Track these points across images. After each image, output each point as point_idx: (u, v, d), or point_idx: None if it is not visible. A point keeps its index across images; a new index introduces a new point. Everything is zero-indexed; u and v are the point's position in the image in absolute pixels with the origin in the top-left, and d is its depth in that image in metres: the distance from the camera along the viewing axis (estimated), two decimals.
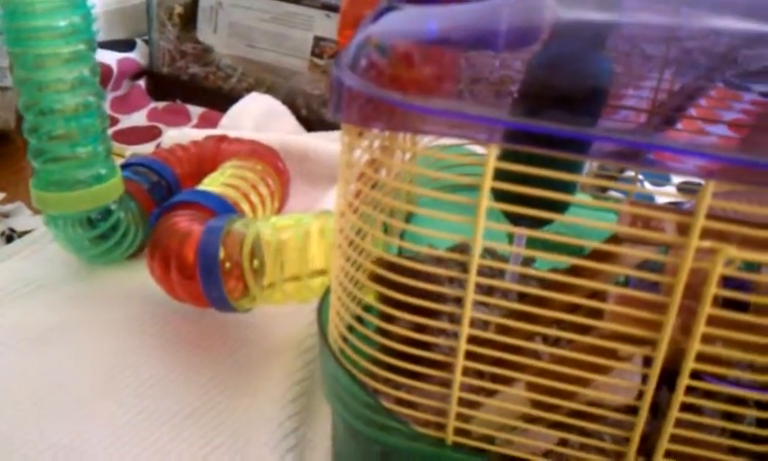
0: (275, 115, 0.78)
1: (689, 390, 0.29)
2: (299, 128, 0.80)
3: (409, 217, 0.49)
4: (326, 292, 0.37)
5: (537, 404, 0.32)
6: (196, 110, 0.86)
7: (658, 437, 0.30)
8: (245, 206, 0.54)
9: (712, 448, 0.31)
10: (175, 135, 0.70)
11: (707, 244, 0.26)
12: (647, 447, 0.30)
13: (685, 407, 0.29)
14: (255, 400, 0.45)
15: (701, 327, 0.27)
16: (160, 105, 0.88)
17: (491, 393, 0.33)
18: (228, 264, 0.44)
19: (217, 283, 0.44)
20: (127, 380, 0.46)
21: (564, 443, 0.34)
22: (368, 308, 0.37)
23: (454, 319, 0.45)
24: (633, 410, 0.30)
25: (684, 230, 0.31)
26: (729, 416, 0.33)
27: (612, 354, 0.30)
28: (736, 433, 0.35)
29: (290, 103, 0.82)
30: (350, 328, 0.34)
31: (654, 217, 0.33)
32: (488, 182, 0.26)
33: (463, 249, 0.30)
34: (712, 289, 0.26)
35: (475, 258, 0.28)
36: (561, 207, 0.38)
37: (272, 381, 0.46)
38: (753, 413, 0.31)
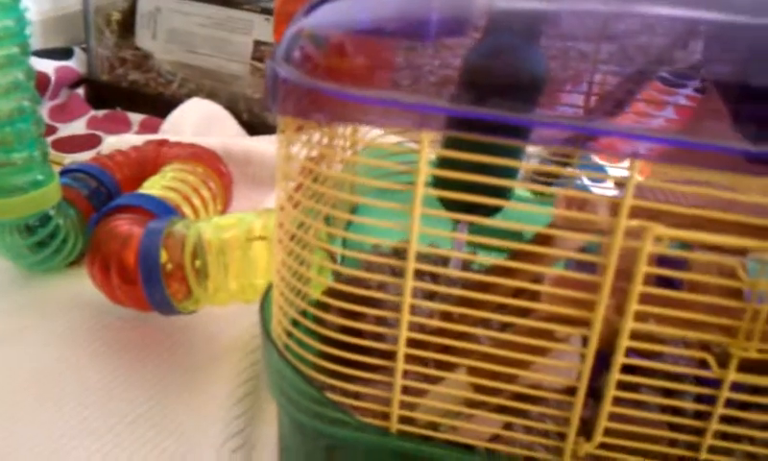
0: (216, 120, 0.78)
1: (629, 369, 0.30)
2: (241, 132, 0.80)
3: (353, 210, 0.49)
4: (269, 288, 0.37)
5: (479, 389, 0.32)
6: (137, 118, 0.85)
7: (594, 417, 0.30)
8: (187, 210, 0.54)
9: (651, 425, 0.31)
10: (114, 142, 0.69)
11: (635, 223, 0.26)
12: (589, 428, 0.31)
13: (622, 386, 0.29)
14: (200, 403, 0.45)
15: (633, 305, 0.27)
16: (100, 113, 0.87)
17: (434, 380, 0.33)
18: (169, 266, 0.44)
19: (159, 286, 0.44)
20: (68, 388, 0.46)
21: (508, 427, 0.34)
22: (312, 302, 0.37)
23: (396, 308, 0.46)
24: (573, 392, 0.31)
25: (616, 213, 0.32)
26: (668, 394, 0.34)
27: (549, 336, 0.30)
28: (677, 411, 0.36)
29: (232, 108, 0.81)
30: (295, 323, 0.34)
31: (587, 201, 0.34)
32: (423, 170, 0.27)
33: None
34: (643, 267, 0.27)
35: (412, 245, 0.29)
36: (502, 197, 0.39)
37: (217, 383, 0.46)
38: (691, 389, 0.32)
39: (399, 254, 0.54)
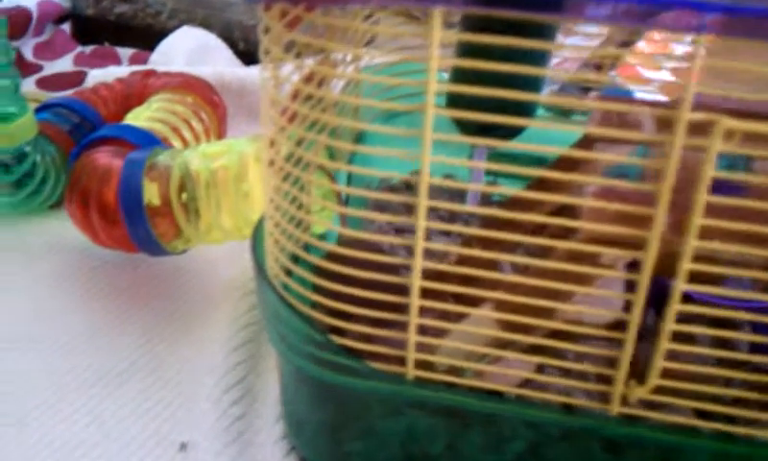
0: (209, 49, 0.73)
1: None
2: (236, 62, 0.75)
3: (357, 139, 0.44)
4: (261, 220, 0.32)
5: (508, 327, 0.28)
6: (125, 52, 0.81)
7: (649, 356, 0.26)
8: (176, 143, 0.49)
9: (706, 363, 0.27)
10: (99, 75, 0.65)
11: (700, 116, 0.21)
12: (636, 370, 0.26)
13: (681, 320, 0.25)
14: (197, 351, 0.41)
15: (698, 219, 0.22)
16: (87, 49, 0.82)
17: (456, 318, 0.29)
18: (155, 201, 0.39)
19: (142, 224, 0.39)
20: (54, 338, 0.42)
21: (541, 370, 0.30)
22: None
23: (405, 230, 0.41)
24: (619, 328, 0.26)
25: (664, 125, 0.27)
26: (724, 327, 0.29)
27: (592, 261, 0.26)
28: (730, 346, 0.31)
29: (226, 37, 0.77)
30: (295, 259, 0.30)
31: (630, 112, 0.29)
32: (435, 54, 0.22)
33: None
34: (711, 169, 0.22)
35: (426, 159, 0.24)
36: (525, 115, 0.34)
37: (214, 329, 0.42)
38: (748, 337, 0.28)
39: (411, 188, 0.49)
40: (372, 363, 0.28)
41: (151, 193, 0.39)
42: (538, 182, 0.32)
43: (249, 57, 0.76)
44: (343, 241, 0.33)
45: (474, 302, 0.28)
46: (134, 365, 0.40)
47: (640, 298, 0.24)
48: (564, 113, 0.47)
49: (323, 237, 0.36)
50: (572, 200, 0.24)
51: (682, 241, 0.23)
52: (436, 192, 0.24)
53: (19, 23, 0.78)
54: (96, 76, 0.65)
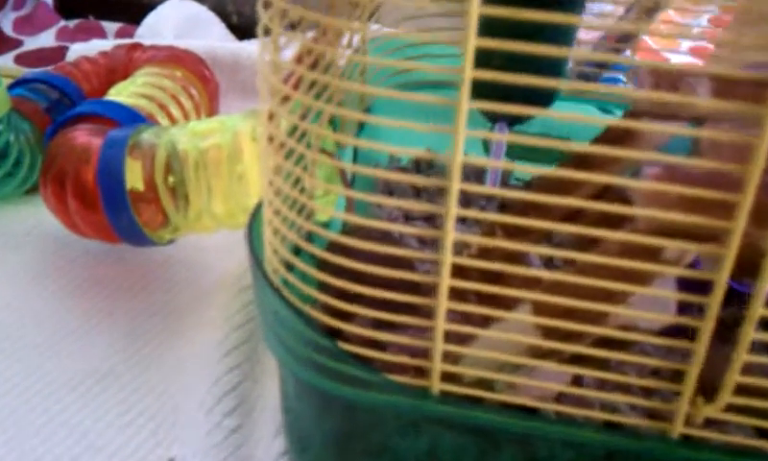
0: (200, 22, 0.70)
1: None
2: (229, 37, 0.72)
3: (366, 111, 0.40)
4: (257, 206, 0.28)
5: (548, 333, 0.24)
6: (111, 27, 0.77)
7: (717, 368, 0.22)
8: (163, 121, 0.45)
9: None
10: (80, 49, 0.60)
11: None
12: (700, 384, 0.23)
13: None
14: (185, 354, 0.38)
15: None
16: (71, 23, 0.78)
17: (481, 322, 0.25)
18: (138, 185, 0.35)
19: (125, 209, 0.35)
20: (25, 337, 0.38)
21: (579, 382, 0.26)
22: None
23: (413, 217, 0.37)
24: (673, 333, 0.22)
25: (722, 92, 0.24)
26: None
27: (650, 257, 0.22)
28: None
29: (219, 10, 0.74)
30: (298, 251, 0.26)
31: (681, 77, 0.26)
32: (475, 3, 0.18)
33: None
34: None
35: (461, 134, 0.20)
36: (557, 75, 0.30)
37: (206, 329, 0.39)
38: None
39: (421, 169, 0.45)
40: (388, 374, 0.24)
41: (134, 175, 0.35)
42: (577, 161, 0.28)
43: (243, 31, 0.73)
44: (352, 230, 0.29)
45: (505, 302, 0.24)
46: (115, 370, 0.37)
47: (716, 301, 0.20)
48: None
49: (328, 226, 0.32)
50: (637, 183, 0.20)
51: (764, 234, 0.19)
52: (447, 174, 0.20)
53: None
54: (78, 50, 0.61)
